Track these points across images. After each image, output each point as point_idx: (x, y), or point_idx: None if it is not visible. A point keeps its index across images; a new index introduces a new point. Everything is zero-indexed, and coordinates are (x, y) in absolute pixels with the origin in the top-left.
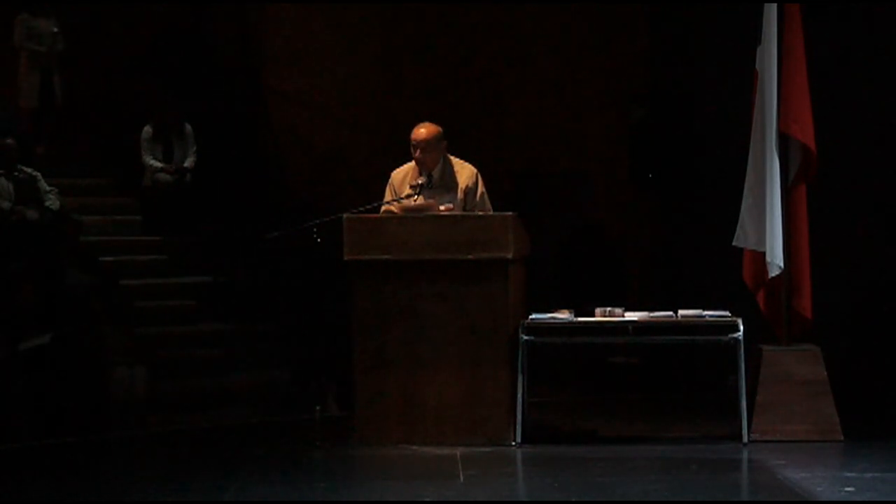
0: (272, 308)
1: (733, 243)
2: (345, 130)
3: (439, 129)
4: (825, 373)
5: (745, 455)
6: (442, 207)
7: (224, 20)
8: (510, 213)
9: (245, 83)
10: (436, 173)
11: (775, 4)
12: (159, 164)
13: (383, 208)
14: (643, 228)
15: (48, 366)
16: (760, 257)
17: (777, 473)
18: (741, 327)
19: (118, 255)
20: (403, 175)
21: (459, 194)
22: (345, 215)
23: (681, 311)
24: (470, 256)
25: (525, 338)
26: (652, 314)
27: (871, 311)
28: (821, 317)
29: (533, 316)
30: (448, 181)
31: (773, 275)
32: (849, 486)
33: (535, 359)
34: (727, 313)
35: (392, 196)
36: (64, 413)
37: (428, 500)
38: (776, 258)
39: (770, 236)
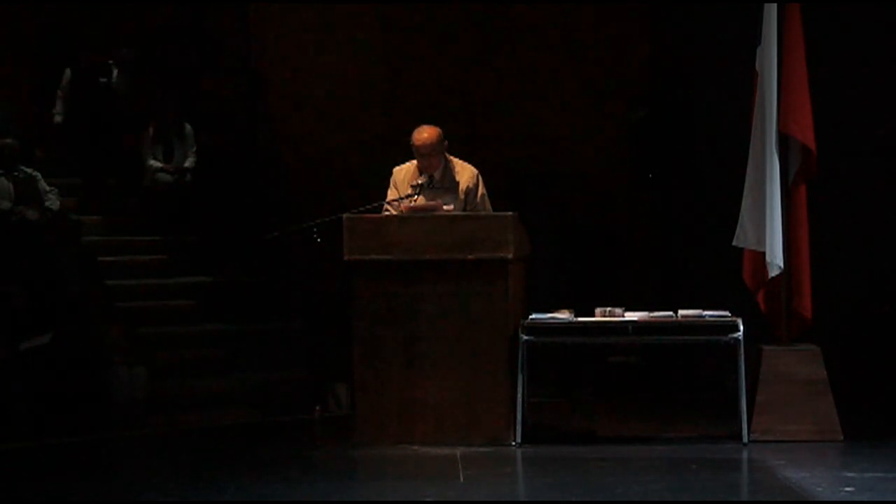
0: (272, 308)
1: (733, 243)
2: (344, 131)
3: (439, 130)
4: (825, 373)
5: (745, 455)
6: (444, 208)
7: (224, 20)
8: (510, 213)
9: (245, 83)
10: (437, 174)
11: (775, 4)
12: (159, 164)
13: (385, 207)
14: (643, 228)
15: (48, 366)
16: (760, 257)
17: (777, 473)
18: (741, 327)
19: (118, 255)
20: (405, 173)
21: (460, 195)
22: (345, 215)
23: (681, 311)
24: (470, 256)
25: (525, 338)
26: (652, 314)
27: (871, 311)
28: (821, 317)
29: (533, 316)
30: (449, 182)
31: (773, 275)
32: (849, 486)
33: (535, 359)
34: (727, 313)
35: (395, 192)
36: (64, 413)
37: (428, 500)
38: (776, 258)
39: (770, 236)
